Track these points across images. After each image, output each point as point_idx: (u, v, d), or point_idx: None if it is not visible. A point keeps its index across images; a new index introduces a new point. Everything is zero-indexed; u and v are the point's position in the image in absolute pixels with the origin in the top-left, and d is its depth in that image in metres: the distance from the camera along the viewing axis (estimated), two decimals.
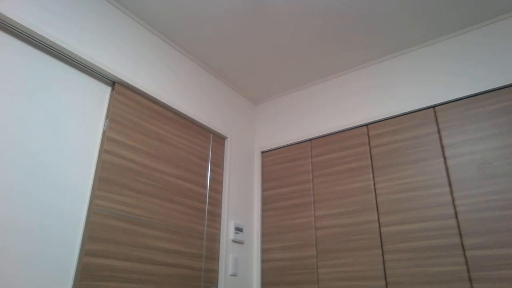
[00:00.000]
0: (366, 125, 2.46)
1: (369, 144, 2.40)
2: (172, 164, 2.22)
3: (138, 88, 2.09)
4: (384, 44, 2.45)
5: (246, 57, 2.59)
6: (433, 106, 2.24)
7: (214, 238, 2.38)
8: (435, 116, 2.22)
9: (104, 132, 1.90)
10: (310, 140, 2.69)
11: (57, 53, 1.78)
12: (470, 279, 1.84)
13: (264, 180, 2.82)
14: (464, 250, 1.90)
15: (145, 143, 2.08)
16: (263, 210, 2.73)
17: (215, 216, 2.43)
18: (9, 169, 1.50)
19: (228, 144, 2.68)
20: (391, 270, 2.06)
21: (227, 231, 2.45)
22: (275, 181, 2.75)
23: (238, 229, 2.52)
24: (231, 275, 2.38)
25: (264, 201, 2.75)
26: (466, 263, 1.87)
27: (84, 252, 1.64)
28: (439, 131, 2.17)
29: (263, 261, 2.59)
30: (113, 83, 2.02)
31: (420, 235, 2.03)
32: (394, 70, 2.49)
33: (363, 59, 2.60)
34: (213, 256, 2.32)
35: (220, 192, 2.53)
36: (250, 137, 2.97)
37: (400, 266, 2.04)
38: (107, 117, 1.93)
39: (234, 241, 2.48)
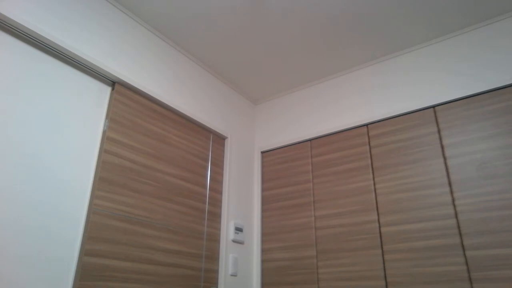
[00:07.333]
0: (366, 125, 2.46)
1: (369, 144, 2.40)
2: (172, 164, 2.22)
3: (138, 88, 2.09)
4: (384, 44, 2.44)
5: (246, 57, 2.59)
6: (433, 106, 2.24)
7: (214, 238, 2.38)
8: (435, 116, 2.22)
9: (104, 132, 1.90)
10: (310, 140, 2.69)
11: (57, 53, 1.78)
12: (470, 279, 1.84)
13: (264, 180, 2.82)
14: (464, 250, 1.90)
15: (145, 143, 2.08)
16: (263, 210, 2.73)
17: (215, 216, 2.43)
18: (9, 169, 1.50)
19: (228, 144, 2.68)
20: (391, 270, 2.06)
21: (227, 231, 2.45)
22: (275, 181, 2.75)
23: (238, 229, 2.52)
24: (231, 275, 2.38)
25: (264, 201, 2.75)
26: (466, 263, 1.87)
27: (84, 252, 1.64)
28: (439, 131, 2.17)
29: (263, 261, 2.59)
30: (113, 83, 2.02)
31: (420, 235, 2.03)
32: (394, 70, 2.49)
33: (363, 59, 2.60)
34: (213, 256, 2.32)
35: (220, 192, 2.53)
36: (250, 137, 2.97)
37: (400, 266, 2.04)
38: (107, 117, 1.93)
39: (234, 241, 2.48)
